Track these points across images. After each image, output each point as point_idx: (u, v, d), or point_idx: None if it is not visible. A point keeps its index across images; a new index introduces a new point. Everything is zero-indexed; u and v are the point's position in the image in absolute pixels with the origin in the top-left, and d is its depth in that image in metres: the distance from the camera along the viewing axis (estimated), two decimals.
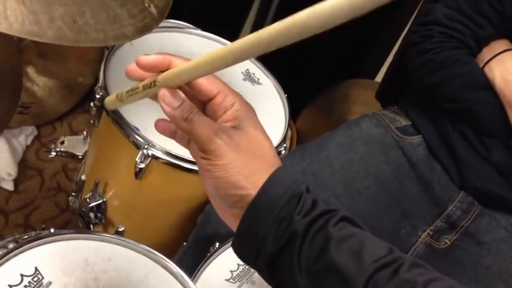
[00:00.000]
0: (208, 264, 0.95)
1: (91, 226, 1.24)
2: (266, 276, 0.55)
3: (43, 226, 0.96)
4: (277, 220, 0.51)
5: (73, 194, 1.33)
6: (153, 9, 0.76)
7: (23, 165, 1.65)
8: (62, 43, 0.65)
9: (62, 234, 0.82)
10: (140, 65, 0.53)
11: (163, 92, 0.51)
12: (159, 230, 1.24)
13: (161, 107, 0.52)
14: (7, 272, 0.75)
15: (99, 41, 0.68)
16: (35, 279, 0.76)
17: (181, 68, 0.51)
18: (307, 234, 0.51)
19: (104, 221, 1.23)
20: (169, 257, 0.89)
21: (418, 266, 0.51)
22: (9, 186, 1.60)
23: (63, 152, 1.67)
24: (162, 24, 1.32)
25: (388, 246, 0.52)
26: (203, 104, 0.55)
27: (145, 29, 0.75)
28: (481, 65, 1.04)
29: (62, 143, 1.68)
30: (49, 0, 0.64)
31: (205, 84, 0.53)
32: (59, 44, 0.64)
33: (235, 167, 0.51)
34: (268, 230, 0.51)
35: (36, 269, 0.77)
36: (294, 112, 1.28)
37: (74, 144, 1.68)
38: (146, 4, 0.75)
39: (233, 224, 0.55)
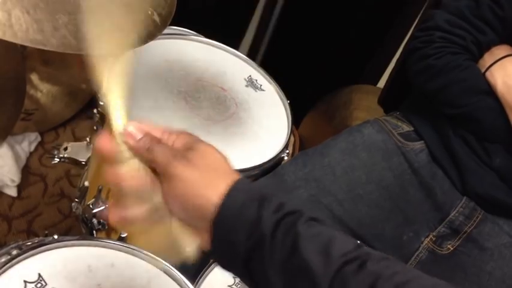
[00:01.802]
0: (210, 271, 0.95)
1: (94, 232, 1.24)
2: (246, 280, 0.57)
3: (46, 232, 0.96)
4: (246, 223, 0.53)
5: (76, 200, 1.33)
6: (156, 18, 0.77)
7: (26, 171, 1.66)
8: (66, 51, 0.66)
9: (65, 240, 0.82)
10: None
11: (130, 129, 0.57)
12: (161, 236, 1.24)
13: (127, 142, 0.58)
14: (10, 278, 0.75)
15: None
16: (38, 285, 0.76)
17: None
18: (275, 233, 0.53)
19: (106, 227, 1.23)
20: (171, 263, 0.90)
21: (387, 260, 0.52)
22: (12, 192, 1.61)
23: (66, 158, 1.67)
24: (165, 31, 1.33)
25: (356, 243, 0.54)
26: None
27: (148, 37, 0.75)
28: (483, 70, 1.04)
29: (65, 149, 1.68)
30: (53, 9, 0.65)
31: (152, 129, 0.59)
32: (63, 52, 0.65)
33: (194, 181, 0.55)
34: (238, 234, 0.53)
35: (39, 275, 0.77)
36: (296, 118, 1.29)
37: (77, 150, 1.69)
38: (149, 12, 0.76)
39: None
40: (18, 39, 0.62)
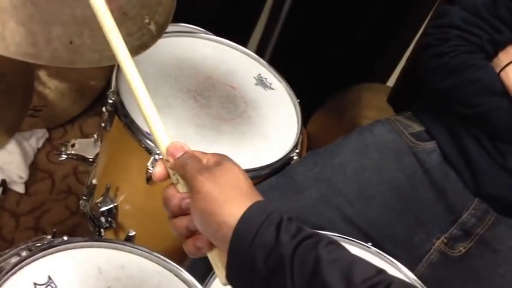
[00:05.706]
0: None
1: (102, 230, 1.23)
2: None
3: (54, 230, 0.96)
4: (262, 247, 0.53)
5: (84, 197, 1.33)
6: (152, 26, 0.75)
7: (33, 167, 1.66)
8: (57, 65, 0.65)
9: (75, 242, 0.82)
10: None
11: (170, 148, 0.61)
12: (169, 235, 1.23)
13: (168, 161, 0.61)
14: (20, 280, 0.75)
15: (94, 62, 0.68)
16: None
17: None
18: (295, 255, 0.53)
19: (114, 225, 1.23)
20: (180, 262, 0.89)
21: (408, 287, 0.52)
22: (20, 188, 1.61)
23: (73, 155, 1.67)
24: (174, 28, 1.32)
25: (377, 268, 0.53)
26: None
27: (141, 47, 0.74)
28: (497, 70, 1.03)
29: (73, 145, 1.68)
30: (48, 20, 0.64)
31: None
32: (53, 65, 0.65)
33: (212, 196, 0.56)
34: (255, 258, 0.53)
35: (49, 277, 0.77)
36: (304, 116, 1.28)
37: (85, 147, 1.68)
38: (146, 21, 0.74)
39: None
40: (10, 53, 0.61)
